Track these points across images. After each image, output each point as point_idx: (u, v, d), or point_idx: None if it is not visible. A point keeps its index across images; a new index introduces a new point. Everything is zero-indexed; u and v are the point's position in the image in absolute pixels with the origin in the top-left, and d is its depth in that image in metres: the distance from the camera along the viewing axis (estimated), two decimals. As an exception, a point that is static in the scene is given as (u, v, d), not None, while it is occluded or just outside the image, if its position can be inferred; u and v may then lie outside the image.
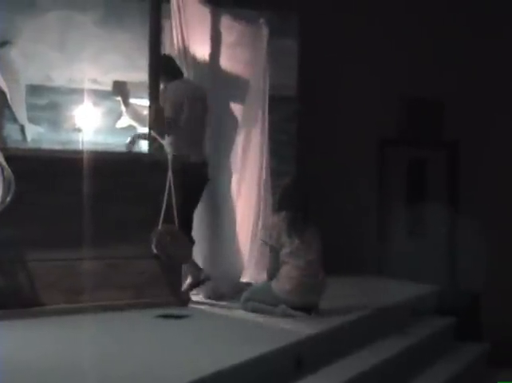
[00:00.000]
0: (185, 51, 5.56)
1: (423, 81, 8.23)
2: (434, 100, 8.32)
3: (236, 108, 6.27)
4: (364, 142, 8.27)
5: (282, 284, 4.86)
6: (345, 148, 8.12)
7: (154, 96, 5.37)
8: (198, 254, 5.51)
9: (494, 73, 8.30)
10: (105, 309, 4.83)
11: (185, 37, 5.52)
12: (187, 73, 5.67)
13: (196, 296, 5.45)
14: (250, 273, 6.07)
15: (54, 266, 4.77)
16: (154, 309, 4.88)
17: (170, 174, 5.08)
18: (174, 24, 5.48)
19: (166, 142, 5.34)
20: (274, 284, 4.90)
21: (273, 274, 4.94)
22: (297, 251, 4.87)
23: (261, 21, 6.42)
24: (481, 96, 8.28)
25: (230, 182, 6.07)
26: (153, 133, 5.25)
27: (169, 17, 5.70)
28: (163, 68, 5.52)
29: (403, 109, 8.40)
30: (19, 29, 6.42)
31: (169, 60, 5.66)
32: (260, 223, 6.11)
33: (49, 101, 6.53)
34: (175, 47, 5.65)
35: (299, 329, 4.47)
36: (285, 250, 4.87)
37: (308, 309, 4.87)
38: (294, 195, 4.99)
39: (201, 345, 4.09)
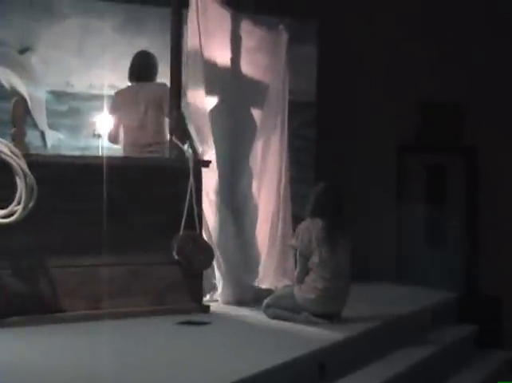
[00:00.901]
0: (204, 55, 5.53)
1: (441, 86, 8.15)
2: (453, 104, 8.25)
3: (255, 113, 6.25)
4: (383, 148, 8.22)
5: (306, 292, 4.81)
6: (364, 154, 8.08)
7: (175, 102, 5.34)
8: (219, 259, 5.47)
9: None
10: (126, 315, 4.81)
11: (204, 42, 5.50)
12: (205, 78, 5.61)
13: (216, 302, 5.42)
14: (270, 279, 6.04)
15: (75, 272, 4.75)
16: (175, 315, 4.85)
17: (191, 180, 5.06)
18: (193, 28, 5.45)
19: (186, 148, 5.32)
20: (297, 291, 4.86)
21: (300, 280, 4.87)
22: (325, 262, 4.79)
23: (281, 27, 6.42)
24: (501, 100, 8.19)
25: (250, 187, 6.04)
26: (174, 140, 5.22)
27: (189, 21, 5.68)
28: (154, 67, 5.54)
29: (421, 114, 8.34)
30: (39, 36, 6.46)
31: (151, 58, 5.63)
32: (279, 230, 6.09)
33: (69, 107, 6.55)
34: (194, 52, 5.61)
35: (322, 336, 4.43)
36: (313, 259, 4.79)
37: (330, 316, 4.83)
38: (327, 203, 4.88)
39: (222, 352, 4.06)
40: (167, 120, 5.51)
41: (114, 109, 5.68)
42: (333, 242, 4.80)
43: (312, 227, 4.83)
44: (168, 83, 5.41)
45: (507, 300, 7.46)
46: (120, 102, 5.63)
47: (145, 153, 5.41)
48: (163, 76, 5.62)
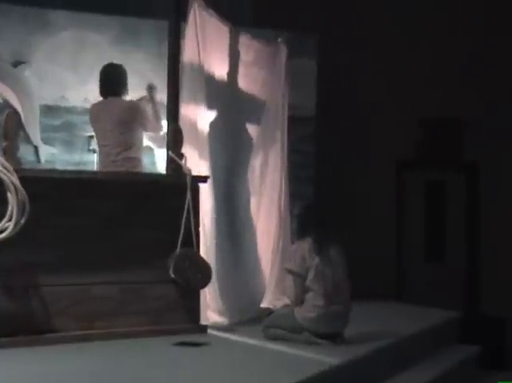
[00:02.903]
0: (202, 70, 5.42)
1: (442, 101, 8.09)
2: (453, 119, 8.17)
3: (253, 128, 6.15)
4: (382, 163, 8.13)
5: (306, 311, 4.68)
6: (363, 169, 7.98)
7: (172, 116, 5.23)
8: (219, 280, 5.32)
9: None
10: (120, 336, 4.68)
11: (202, 56, 5.39)
12: (203, 92, 5.48)
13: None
14: (269, 298, 5.92)
15: (68, 291, 4.63)
16: (171, 336, 4.72)
17: (188, 195, 4.94)
18: (190, 42, 5.34)
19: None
20: (297, 311, 4.72)
21: (298, 302, 4.75)
22: (322, 273, 4.69)
23: (280, 40, 6.39)
24: (502, 115, 8.11)
25: (249, 203, 5.93)
26: (171, 154, 5.10)
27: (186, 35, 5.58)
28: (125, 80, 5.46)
29: (422, 129, 8.26)
30: (33, 49, 6.39)
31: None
32: (279, 247, 5.98)
33: (64, 122, 6.46)
34: (191, 65, 5.49)
35: (324, 358, 4.28)
36: (310, 276, 4.69)
37: (332, 336, 4.69)
38: (309, 220, 4.87)
39: (220, 375, 3.92)
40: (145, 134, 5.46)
41: (91, 124, 5.60)
42: (325, 252, 4.74)
43: (303, 245, 4.79)
44: (165, 97, 5.29)
45: (510, 318, 7.34)
46: (92, 117, 5.55)
47: (112, 168, 5.30)
48: (160, 90, 5.52)
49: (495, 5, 8.01)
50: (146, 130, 5.46)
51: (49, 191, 4.57)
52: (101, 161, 5.45)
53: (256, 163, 6.16)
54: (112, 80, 5.47)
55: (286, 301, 5.57)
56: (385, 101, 8.03)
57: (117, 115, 5.34)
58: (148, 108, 5.55)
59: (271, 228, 6.00)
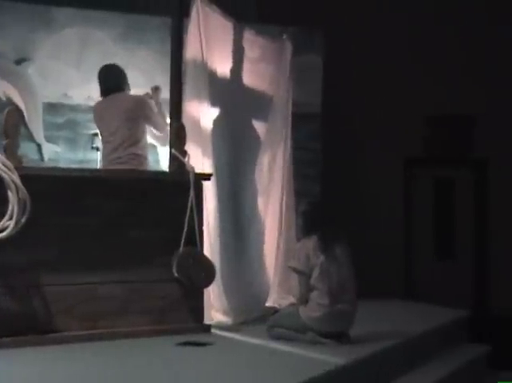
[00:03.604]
0: (205, 66, 5.35)
1: (451, 97, 8.01)
2: (462, 116, 8.08)
3: (259, 125, 6.08)
4: (390, 160, 8.05)
5: (311, 311, 4.61)
6: (371, 166, 7.90)
7: (175, 113, 5.16)
8: (223, 279, 5.25)
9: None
10: (124, 336, 4.64)
11: (205, 52, 5.32)
12: (206, 89, 5.41)
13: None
14: (274, 297, 5.85)
15: (71, 290, 4.58)
16: (175, 335, 4.67)
17: (191, 194, 4.88)
18: (194, 38, 5.28)
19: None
20: (302, 310, 4.65)
21: (302, 300, 4.68)
22: (327, 272, 4.62)
23: (285, 36, 6.32)
24: (511, 112, 8.02)
25: (255, 202, 5.86)
26: (174, 152, 5.04)
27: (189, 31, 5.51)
28: (125, 76, 5.43)
29: (430, 126, 8.18)
30: (36, 46, 6.34)
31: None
32: (284, 245, 5.92)
33: (67, 120, 6.40)
34: (195, 62, 5.42)
35: (329, 358, 4.20)
36: (314, 275, 4.62)
37: (338, 336, 4.62)
38: (316, 217, 4.80)
39: (223, 375, 3.86)
40: (148, 132, 5.42)
41: (95, 122, 5.58)
42: (330, 250, 4.66)
43: (308, 243, 4.71)
44: (167, 94, 5.23)
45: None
46: (96, 116, 5.53)
47: (116, 165, 5.26)
48: (164, 87, 5.46)
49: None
50: (150, 125, 5.40)
51: (51, 190, 4.53)
52: (105, 158, 5.40)
53: (264, 160, 6.09)
54: (112, 78, 5.45)
55: (292, 300, 5.52)
56: (393, 98, 7.95)
57: (124, 109, 5.31)
58: (152, 106, 5.50)
59: (277, 226, 5.92)
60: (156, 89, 5.60)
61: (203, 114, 5.33)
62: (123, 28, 6.61)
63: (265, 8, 7.21)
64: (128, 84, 5.52)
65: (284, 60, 6.30)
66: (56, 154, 6.33)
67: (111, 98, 5.41)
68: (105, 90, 5.43)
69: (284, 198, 6.14)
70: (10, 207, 4.22)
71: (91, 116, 5.73)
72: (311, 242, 4.69)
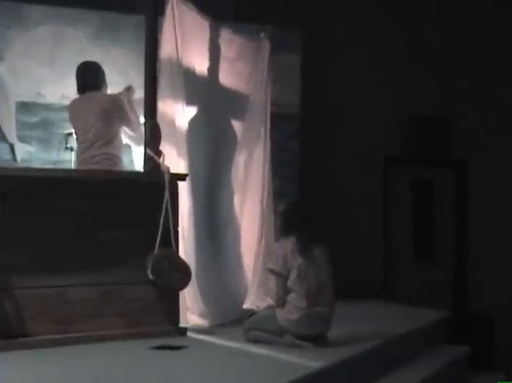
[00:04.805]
0: (180, 65, 5.26)
1: (429, 97, 8.01)
2: (441, 117, 8.06)
3: (236, 124, 6.01)
4: (369, 161, 8.02)
5: (288, 313, 4.54)
6: (350, 167, 7.86)
7: (150, 113, 5.07)
8: (198, 281, 5.16)
9: (505, 87, 8.03)
10: (97, 339, 4.56)
11: (180, 50, 5.23)
12: (182, 88, 5.32)
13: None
14: (252, 299, 5.78)
15: (43, 293, 4.49)
16: (150, 339, 4.59)
17: (166, 194, 4.80)
18: (169, 37, 5.18)
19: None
20: (279, 313, 4.58)
21: (279, 303, 4.61)
22: (305, 274, 4.56)
23: (263, 35, 6.28)
24: (489, 112, 8.04)
25: (232, 202, 5.79)
26: (149, 152, 4.94)
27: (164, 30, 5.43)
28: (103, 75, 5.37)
29: (408, 127, 8.15)
30: (8, 44, 6.22)
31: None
32: (262, 246, 5.85)
33: (41, 119, 6.30)
34: (170, 60, 5.33)
35: (306, 361, 4.14)
36: (292, 277, 4.56)
37: (315, 338, 4.55)
38: (294, 218, 4.75)
39: (197, 379, 3.80)
40: (123, 131, 5.33)
41: (70, 120, 5.48)
42: (308, 252, 4.61)
43: (285, 244, 4.66)
44: (143, 93, 5.14)
45: (499, 319, 7.23)
46: (71, 114, 5.44)
47: (89, 165, 5.17)
48: (139, 86, 5.37)
49: (484, 4, 7.92)
50: (124, 124, 5.31)
51: (22, 190, 4.45)
52: (79, 156, 5.31)
53: (240, 160, 6.04)
54: (90, 76, 5.36)
55: (270, 302, 5.45)
56: (372, 98, 7.92)
57: (99, 107, 5.24)
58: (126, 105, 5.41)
59: (255, 227, 5.87)
60: (129, 89, 5.50)
61: (178, 113, 5.25)
62: (97, 26, 6.52)
63: (242, 7, 7.15)
64: (106, 83, 5.45)
65: (261, 59, 6.26)
66: (29, 154, 6.21)
67: (87, 96, 5.33)
68: (82, 87, 5.36)
69: (265, 198, 6.08)
70: (-20, 208, 4.13)
71: (65, 115, 5.63)
72: (289, 244, 4.63)
